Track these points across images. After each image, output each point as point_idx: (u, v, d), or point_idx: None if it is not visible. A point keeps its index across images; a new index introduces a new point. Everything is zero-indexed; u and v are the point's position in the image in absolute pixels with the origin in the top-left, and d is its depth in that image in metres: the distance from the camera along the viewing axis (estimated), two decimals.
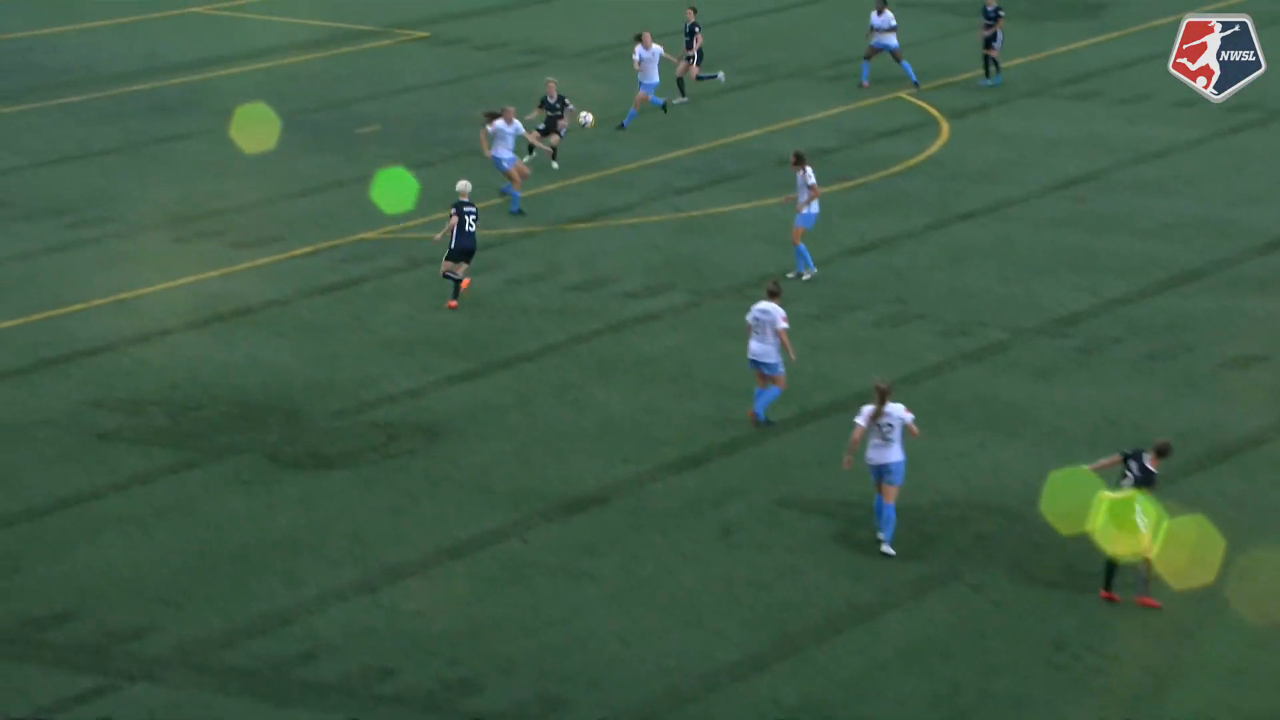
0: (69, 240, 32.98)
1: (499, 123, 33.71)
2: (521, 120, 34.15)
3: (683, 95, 41.13)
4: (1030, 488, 23.30)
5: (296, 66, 45.14)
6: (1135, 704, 19.34)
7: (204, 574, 21.52)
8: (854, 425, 21.90)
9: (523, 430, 25.23)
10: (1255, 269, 31.46)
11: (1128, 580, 21.02)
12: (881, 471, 21.84)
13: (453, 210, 29.53)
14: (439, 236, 29.82)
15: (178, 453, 24.55)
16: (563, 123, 35.99)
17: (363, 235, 32.97)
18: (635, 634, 20.40)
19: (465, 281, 29.57)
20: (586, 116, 34.94)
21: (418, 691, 19.38)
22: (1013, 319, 29.07)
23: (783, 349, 24.77)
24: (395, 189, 35.91)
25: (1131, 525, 20.48)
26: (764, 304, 24.88)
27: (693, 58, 40.92)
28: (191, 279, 30.95)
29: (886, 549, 21.85)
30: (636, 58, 38.92)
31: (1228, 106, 40.54)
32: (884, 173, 36.53)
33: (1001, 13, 42.06)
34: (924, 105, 41.03)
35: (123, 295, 30.24)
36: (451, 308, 29.35)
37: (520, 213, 33.82)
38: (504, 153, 33.76)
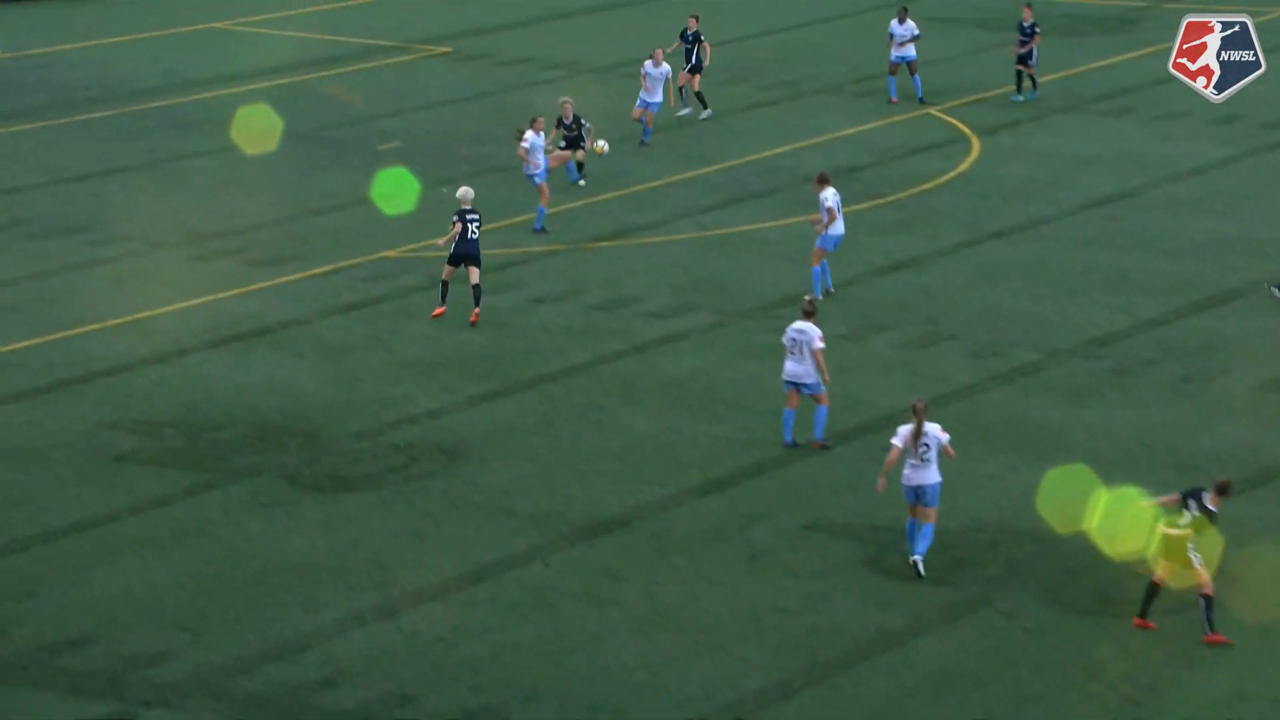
0: (86, 259, 33.05)
1: (530, 134, 33.74)
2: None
3: (705, 107, 41.00)
4: (1064, 512, 23.16)
5: (316, 82, 45.22)
6: None
7: (221, 598, 21.50)
8: (890, 446, 21.85)
9: (545, 452, 25.20)
10: None
11: (1164, 606, 20.88)
12: (919, 493, 21.80)
13: (455, 218, 29.57)
14: (442, 241, 29.90)
15: (195, 475, 24.55)
16: (586, 142, 36.01)
17: (383, 253, 32.99)
18: (660, 661, 20.33)
19: (474, 315, 29.42)
20: (603, 144, 34.70)
21: (439, 719, 19.32)
22: (1045, 340, 28.97)
23: (818, 369, 24.70)
24: (396, 189, 36.01)
25: (1185, 560, 20.35)
26: (800, 324, 24.84)
27: (696, 68, 40.82)
28: (209, 298, 30.99)
29: (919, 566, 21.79)
30: (644, 73, 38.74)
31: (1264, 123, 40.44)
32: (914, 190, 36.47)
33: (1038, 29, 42.02)
34: (955, 122, 40.97)
35: (140, 315, 30.28)
36: (437, 315, 29.42)
37: (544, 230, 33.81)
38: (542, 160, 33.74)
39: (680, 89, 40.83)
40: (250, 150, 38.20)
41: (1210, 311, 30.26)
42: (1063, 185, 36.78)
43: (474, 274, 29.54)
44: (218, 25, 51.64)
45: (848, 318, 29.64)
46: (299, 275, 32.10)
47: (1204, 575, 20.38)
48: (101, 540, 22.89)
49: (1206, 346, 28.78)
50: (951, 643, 20.70)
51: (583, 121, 36.09)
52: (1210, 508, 20.51)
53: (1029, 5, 42.88)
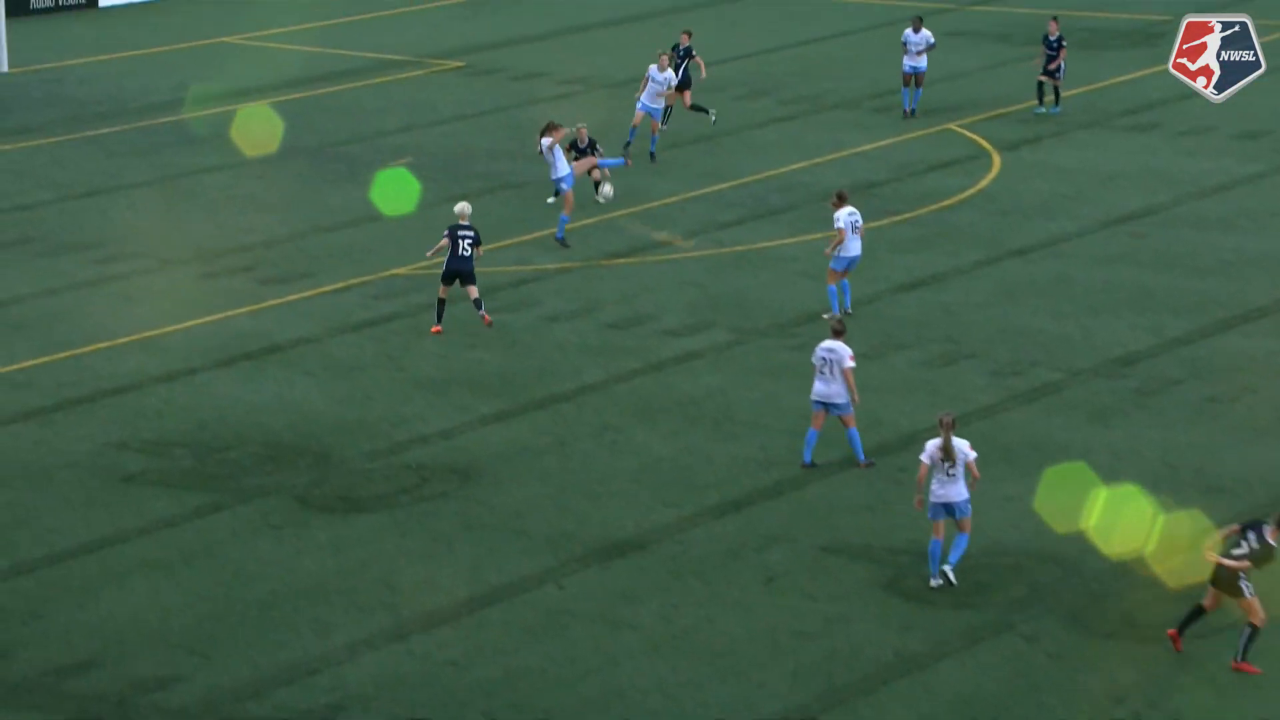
0: (95, 276, 33.10)
1: (545, 140, 33.70)
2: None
3: (707, 112, 40.52)
4: (1087, 535, 23.11)
5: (328, 97, 45.31)
6: None
7: (230, 621, 21.49)
8: (919, 462, 21.86)
9: (560, 472, 25.17)
10: None
11: (1193, 630, 20.80)
12: (948, 510, 21.80)
13: (446, 233, 29.75)
14: (430, 253, 30.09)
15: (204, 495, 24.55)
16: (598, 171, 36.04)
17: (395, 271, 33.01)
18: (676, 685, 20.28)
19: (486, 318, 29.66)
20: (608, 190, 34.40)
21: None
22: (1068, 359, 28.90)
23: (849, 389, 24.68)
24: (396, 190, 36.05)
25: (1235, 590, 20.26)
26: (830, 343, 24.82)
27: (685, 84, 40.70)
28: (219, 316, 31.02)
29: (950, 575, 21.83)
30: (648, 76, 38.54)
31: None
32: (934, 207, 36.43)
33: (1064, 42, 42.00)
34: (975, 137, 40.94)
35: (149, 333, 30.32)
36: (435, 332, 29.55)
37: (564, 242, 33.72)
38: (563, 170, 33.68)
39: (668, 109, 40.36)
40: (251, 154, 38.22)
41: (1236, 330, 30.18)
42: (1085, 202, 36.73)
43: (471, 291, 29.69)
44: (229, 40, 51.75)
45: (867, 336, 29.59)
46: (309, 293, 32.12)
47: (1257, 606, 20.28)
48: (109, 562, 22.89)
49: (1232, 366, 28.70)
50: (972, 667, 20.63)
51: (598, 146, 36.12)
52: (1270, 541, 20.40)
53: (1055, 19, 42.88)
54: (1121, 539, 22.96)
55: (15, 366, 28.98)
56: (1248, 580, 20.27)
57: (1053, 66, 41.82)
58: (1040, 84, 42.30)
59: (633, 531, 23.53)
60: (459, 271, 29.62)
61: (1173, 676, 20.45)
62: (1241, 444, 26.01)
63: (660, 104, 38.71)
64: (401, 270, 32.97)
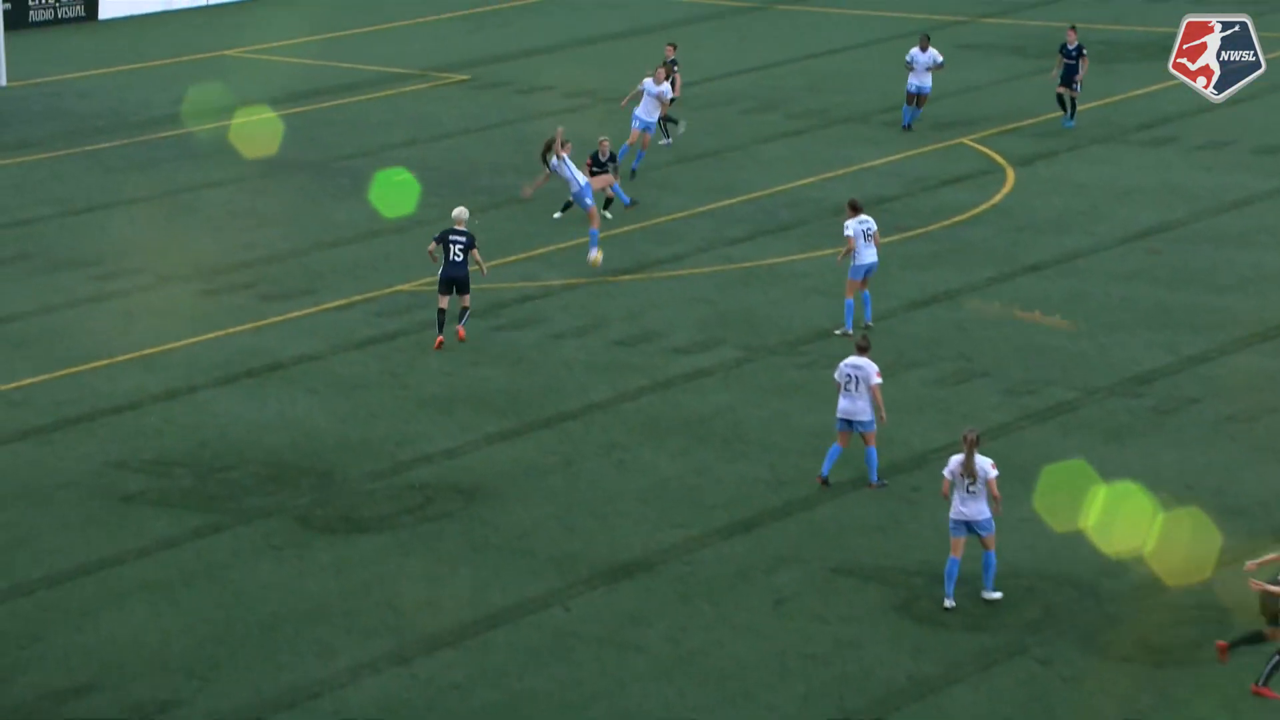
0: (94, 293, 33.14)
1: (553, 161, 33.74)
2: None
3: (676, 123, 40.34)
4: (1102, 557, 23.09)
5: (332, 110, 45.36)
6: None
7: (231, 644, 21.48)
8: (942, 478, 21.97)
9: (566, 492, 25.17)
10: None
11: (1210, 656, 20.76)
12: (969, 527, 21.83)
13: (435, 239, 30.00)
14: (431, 247, 30.20)
15: (205, 516, 24.56)
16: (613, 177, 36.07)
17: (399, 287, 33.03)
18: (683, 709, 20.26)
19: (461, 332, 29.87)
20: (596, 255, 34.18)
21: None
22: (1083, 377, 28.88)
23: (875, 406, 24.70)
24: (395, 191, 36.11)
25: (1275, 614, 20.19)
26: (855, 359, 24.84)
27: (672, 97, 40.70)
28: (220, 333, 31.04)
29: (990, 596, 21.94)
30: (642, 89, 38.24)
31: None
32: (946, 222, 36.43)
33: (1085, 51, 42.00)
34: (988, 152, 40.95)
35: (149, 350, 30.34)
36: (438, 344, 29.69)
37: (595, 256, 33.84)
38: (575, 180, 33.68)
39: (663, 120, 40.36)
40: (251, 156, 38.25)
41: (1255, 348, 30.15)
42: (1101, 217, 36.71)
43: (464, 300, 29.94)
44: (230, 53, 51.84)
45: (879, 353, 29.48)
46: (312, 309, 32.14)
47: None
48: (108, 584, 22.89)
49: (1251, 385, 28.66)
50: (986, 691, 20.60)
51: (617, 160, 36.14)
52: None
53: (1073, 28, 42.90)
54: (1121, 537, 23.01)
55: (13, 385, 29.00)
56: None
57: (1078, 78, 41.79)
58: (1060, 96, 42.28)
59: (640, 552, 23.52)
60: (453, 279, 29.80)
61: (1190, 701, 20.41)
62: (1261, 464, 25.97)
63: (655, 117, 38.39)
64: (406, 287, 32.99)
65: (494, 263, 33.43)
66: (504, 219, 36.31)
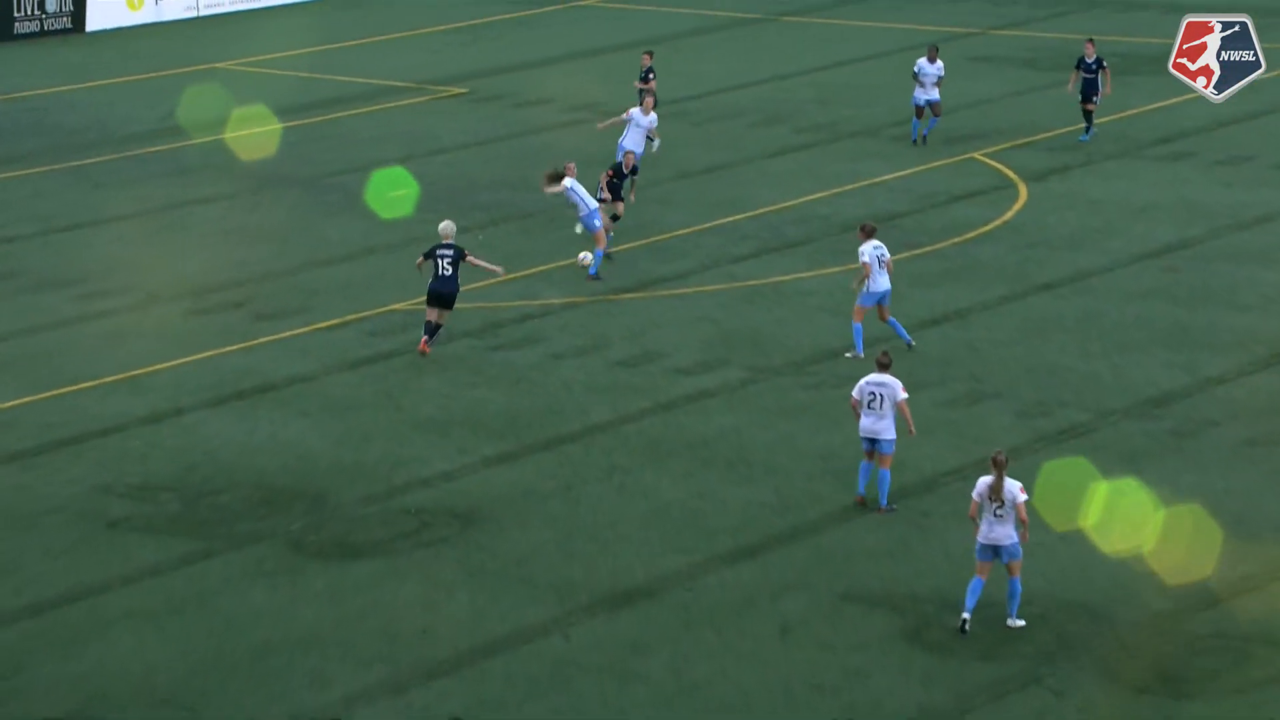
0: (80, 313, 33.19)
1: (567, 180, 33.79)
2: (581, 183, 34.32)
3: (653, 141, 40.22)
4: (1119, 584, 23.10)
5: (324, 125, 45.46)
6: None
7: (221, 674, 21.49)
8: (961, 500, 21.96)
9: (566, 517, 25.19)
10: None
11: (1231, 684, 20.73)
12: (995, 552, 21.88)
13: (423, 254, 30.45)
14: (420, 262, 30.64)
15: (194, 541, 24.58)
16: (632, 197, 36.07)
17: (393, 306, 33.08)
18: None
19: (424, 345, 30.14)
20: (586, 256, 34.21)
21: None
22: (1098, 399, 28.91)
23: (902, 423, 24.76)
24: (393, 191, 36.20)
25: None
26: (877, 376, 24.90)
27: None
28: (209, 353, 31.09)
29: (1015, 623, 21.99)
30: (630, 119, 37.79)
31: None
32: (957, 239, 36.49)
33: (1105, 63, 42.10)
34: (1000, 167, 41.02)
35: (136, 371, 30.39)
36: (424, 351, 30.03)
37: (597, 278, 33.87)
38: (590, 207, 33.79)
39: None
40: (247, 157, 38.29)
41: (1276, 369, 30.17)
42: (1116, 234, 36.76)
43: (444, 316, 30.36)
44: (221, 65, 51.97)
45: None
46: (304, 329, 32.18)
47: None
48: (94, 612, 22.90)
49: (1273, 407, 28.68)
50: None
51: (637, 172, 36.17)
52: None
53: (1091, 40, 43.02)
54: (1122, 535, 23.05)
55: None
56: None
57: (1103, 93, 41.87)
58: (1086, 112, 42.34)
59: (642, 579, 23.53)
60: (440, 294, 30.19)
61: None
62: None
63: (642, 148, 37.68)
64: (400, 305, 33.04)
65: (492, 281, 33.49)
66: (502, 237, 36.37)
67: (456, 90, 48.71)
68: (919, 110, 42.28)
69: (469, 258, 30.64)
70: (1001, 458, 22.07)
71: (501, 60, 52.14)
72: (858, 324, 30.35)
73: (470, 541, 24.52)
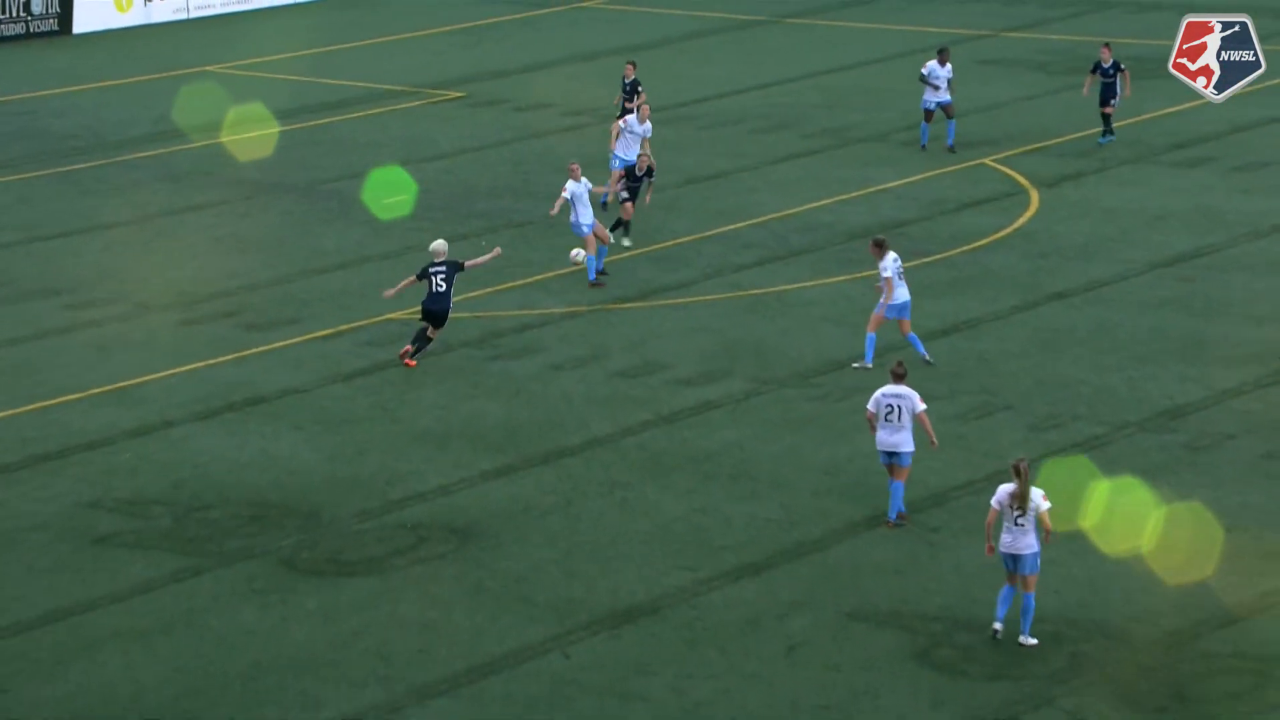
0: (66, 323, 33.17)
1: (571, 183, 33.87)
2: (594, 184, 34.35)
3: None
4: (1135, 602, 23.05)
5: (319, 130, 45.46)
6: None
7: (211, 695, 21.45)
8: (989, 507, 22.05)
9: (566, 533, 25.15)
10: None
11: (1248, 709, 20.68)
12: (1017, 562, 21.82)
13: (415, 273, 30.65)
14: (390, 293, 30.87)
15: (183, 559, 24.54)
16: (646, 197, 36.01)
17: (388, 316, 33.05)
18: None
19: (412, 359, 30.27)
20: (579, 254, 34.14)
21: None
22: (1112, 412, 28.87)
23: (922, 434, 24.73)
24: (391, 190, 36.19)
25: None
26: (894, 388, 24.87)
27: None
28: (199, 364, 31.06)
29: (1027, 641, 21.95)
30: (625, 128, 37.67)
31: None
32: (967, 247, 36.46)
33: (1123, 66, 42.10)
34: (1011, 173, 41.00)
35: (124, 383, 30.36)
36: (409, 364, 30.22)
37: (599, 280, 33.87)
38: (586, 217, 33.83)
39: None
40: (244, 159, 38.30)
41: None
42: (1131, 243, 36.73)
43: (435, 331, 30.60)
44: (213, 68, 51.97)
45: None
46: (297, 339, 32.16)
47: None
48: (80, 632, 22.85)
49: None
50: None
51: (653, 174, 36.12)
52: None
53: (1107, 45, 43.04)
54: (1136, 551, 23.03)
55: None
56: None
57: (1121, 96, 41.89)
58: (1105, 117, 42.34)
59: (644, 597, 23.49)
60: (433, 312, 30.41)
61: None
62: None
63: (634, 156, 37.30)
64: (396, 315, 33.01)
65: (490, 289, 33.48)
66: (501, 245, 36.31)
67: (454, 94, 48.70)
68: (928, 114, 42.26)
69: (467, 265, 30.90)
70: (1024, 465, 22.03)
71: (500, 63, 52.14)
72: (872, 334, 30.31)
73: (468, 558, 24.48)
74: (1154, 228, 37.58)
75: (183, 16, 58.67)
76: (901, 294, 30.15)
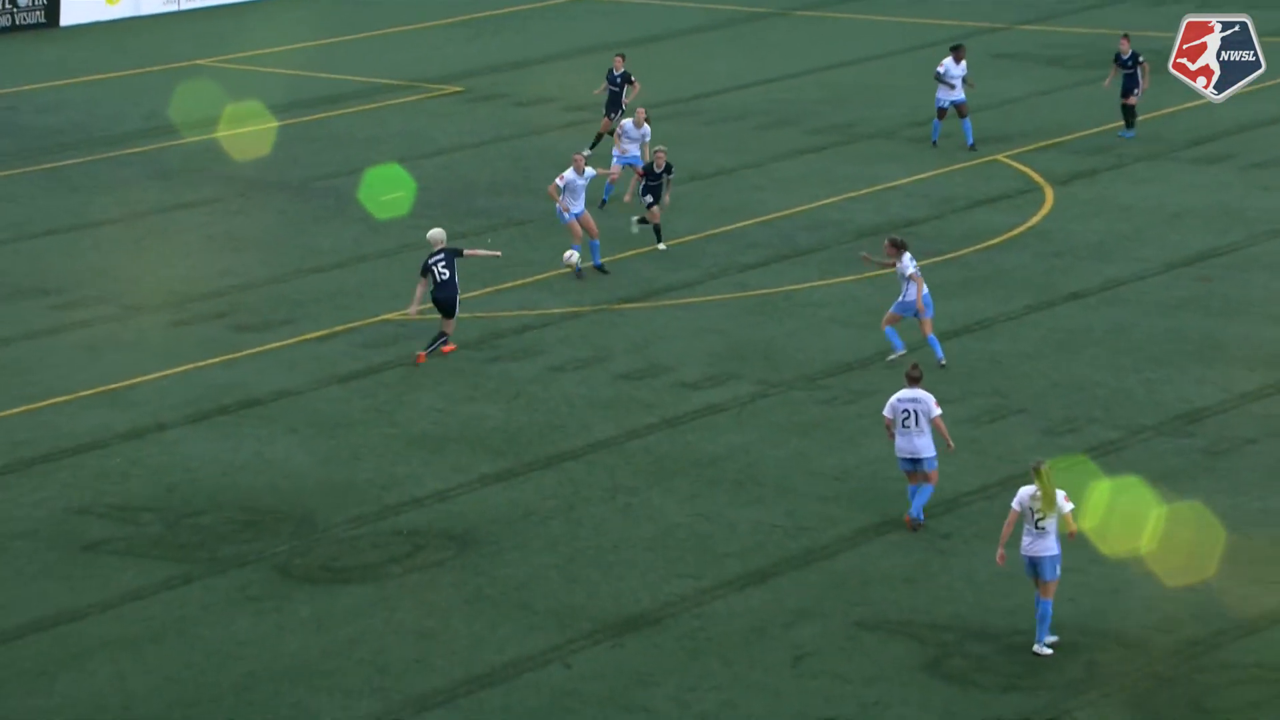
0: (55, 323, 33.18)
1: (569, 173, 33.96)
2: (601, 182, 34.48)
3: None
4: (1153, 610, 23.04)
5: (314, 125, 45.46)
6: None
7: (204, 706, 21.45)
8: (1010, 509, 22.05)
9: (567, 540, 25.15)
10: None
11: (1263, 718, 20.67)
12: (1035, 565, 21.83)
13: (421, 271, 30.76)
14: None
15: (175, 566, 24.54)
16: (665, 195, 36.01)
17: (386, 316, 33.06)
18: None
19: (421, 356, 30.52)
20: (571, 255, 34.09)
21: None
22: (1128, 415, 28.86)
23: (939, 438, 24.74)
24: (389, 190, 36.17)
25: None
26: (909, 392, 24.88)
27: (619, 110, 40.60)
28: (191, 366, 31.07)
29: (1042, 650, 21.97)
30: (623, 130, 37.73)
31: None
32: (979, 246, 36.46)
33: (1142, 59, 42.12)
34: (1025, 170, 41.00)
35: (114, 385, 30.36)
36: (419, 361, 30.41)
37: (602, 269, 34.08)
38: (575, 206, 33.97)
39: (599, 136, 40.26)
40: (240, 158, 38.32)
41: None
42: (1147, 242, 36.73)
43: (449, 325, 30.73)
44: (204, 62, 51.98)
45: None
46: (291, 341, 32.17)
47: None
48: (67, 641, 22.85)
49: None
50: None
51: (672, 171, 36.10)
52: None
53: (1126, 36, 43.07)
54: (1154, 558, 23.04)
55: None
56: None
57: (1139, 89, 41.94)
58: (1125, 109, 42.36)
59: (647, 605, 23.49)
60: (443, 300, 30.59)
61: None
62: None
63: (635, 155, 37.46)
64: (392, 316, 33.02)
65: (490, 289, 33.47)
66: (501, 243, 36.32)
67: (453, 89, 48.72)
68: (941, 112, 42.23)
69: (466, 252, 31.32)
70: (1044, 467, 22.02)
71: (500, 57, 52.16)
72: (889, 328, 30.34)
73: (466, 565, 24.48)
74: (1171, 226, 37.57)
75: (173, 9, 58.68)
76: (910, 292, 30.16)
